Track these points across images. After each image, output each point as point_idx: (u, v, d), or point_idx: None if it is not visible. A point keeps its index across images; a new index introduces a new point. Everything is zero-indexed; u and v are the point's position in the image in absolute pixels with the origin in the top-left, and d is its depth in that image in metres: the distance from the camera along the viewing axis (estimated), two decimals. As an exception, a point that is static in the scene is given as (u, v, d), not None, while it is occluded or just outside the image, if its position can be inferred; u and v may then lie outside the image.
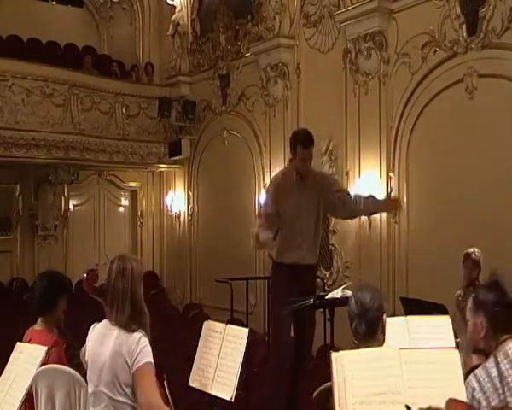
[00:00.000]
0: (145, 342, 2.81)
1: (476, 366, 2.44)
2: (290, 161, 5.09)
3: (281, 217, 4.84)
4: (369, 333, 2.68)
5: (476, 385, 2.33)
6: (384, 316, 2.75)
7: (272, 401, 4.84)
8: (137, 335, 2.81)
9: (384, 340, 2.74)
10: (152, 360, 2.80)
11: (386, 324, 2.79)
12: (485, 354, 2.47)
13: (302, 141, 4.86)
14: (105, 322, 2.94)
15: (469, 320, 2.56)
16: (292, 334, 4.91)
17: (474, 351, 2.58)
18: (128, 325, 2.82)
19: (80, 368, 3.16)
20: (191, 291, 11.39)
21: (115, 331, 2.85)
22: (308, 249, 4.86)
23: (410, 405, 2.22)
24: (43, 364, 3.15)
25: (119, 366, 2.79)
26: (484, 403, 2.31)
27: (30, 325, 3.64)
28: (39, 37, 11.87)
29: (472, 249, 5.07)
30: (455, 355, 2.40)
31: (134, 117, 11.11)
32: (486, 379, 2.33)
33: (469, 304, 2.58)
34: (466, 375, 2.40)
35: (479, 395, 2.33)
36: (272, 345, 5.05)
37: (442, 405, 2.15)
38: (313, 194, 4.89)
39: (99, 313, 3.06)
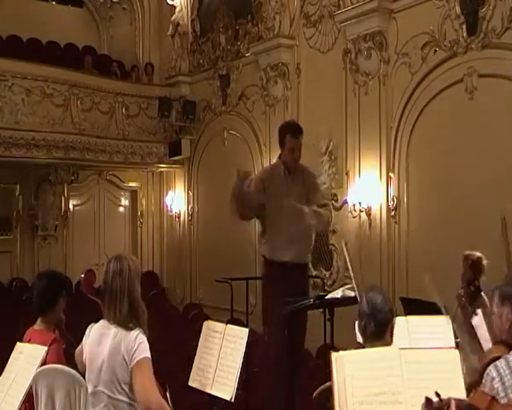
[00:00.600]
0: (142, 338, 2.85)
1: (497, 358, 2.44)
2: (279, 157, 4.99)
3: (268, 212, 4.80)
4: (378, 333, 2.68)
5: (495, 375, 2.34)
6: (393, 319, 2.75)
7: (272, 402, 4.83)
8: (135, 332, 2.85)
9: (392, 343, 2.73)
10: (149, 356, 2.82)
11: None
12: (507, 345, 2.49)
13: (291, 130, 4.81)
14: (102, 322, 2.97)
15: (495, 312, 2.62)
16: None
17: (495, 342, 2.60)
18: (126, 323, 2.85)
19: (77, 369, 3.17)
20: (191, 291, 11.38)
21: (113, 330, 2.88)
22: (300, 246, 4.81)
23: (410, 405, 2.22)
24: (42, 362, 3.15)
25: (117, 365, 2.82)
26: (502, 394, 2.31)
27: (30, 325, 3.64)
28: (39, 37, 11.87)
29: (472, 252, 5.00)
30: (455, 355, 2.40)
31: (134, 117, 11.11)
32: (507, 371, 2.33)
33: (495, 298, 2.65)
34: (486, 365, 2.42)
35: (497, 384, 2.33)
36: (268, 347, 5.03)
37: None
38: (302, 188, 4.84)
39: (98, 314, 3.07)
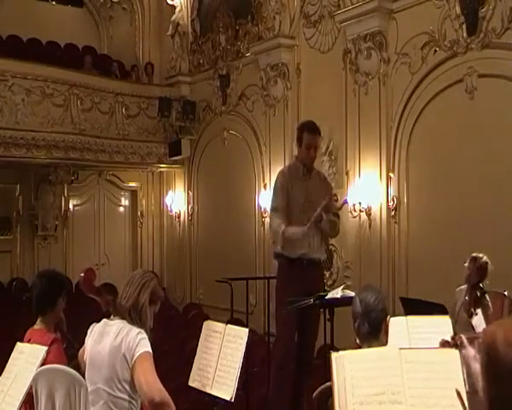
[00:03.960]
0: (144, 335, 2.89)
1: None
2: (296, 158, 5.17)
3: (289, 208, 4.87)
4: (372, 333, 2.68)
5: None
6: (387, 318, 2.76)
7: (274, 401, 4.83)
8: (137, 330, 2.90)
9: (387, 342, 2.74)
10: (150, 351, 2.86)
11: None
12: None
13: (308, 127, 4.98)
14: (103, 322, 3.02)
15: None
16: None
17: None
18: (129, 316, 2.89)
19: (79, 370, 3.17)
20: (191, 291, 11.39)
21: (115, 327, 2.92)
22: (316, 240, 4.89)
23: (410, 405, 2.22)
24: (43, 362, 3.15)
25: (118, 362, 2.85)
26: None
27: (30, 325, 3.64)
28: (39, 37, 11.87)
29: (480, 255, 4.94)
30: (455, 355, 2.40)
31: (134, 117, 11.11)
32: None
33: None
34: None
35: None
36: (275, 345, 5.04)
37: (441, 405, 2.15)
38: (321, 189, 4.98)
39: (98, 313, 3.08)
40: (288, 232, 4.69)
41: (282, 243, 4.74)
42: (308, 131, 4.91)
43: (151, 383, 2.75)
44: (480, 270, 4.76)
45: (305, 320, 4.73)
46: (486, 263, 4.81)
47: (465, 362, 2.45)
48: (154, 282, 3.07)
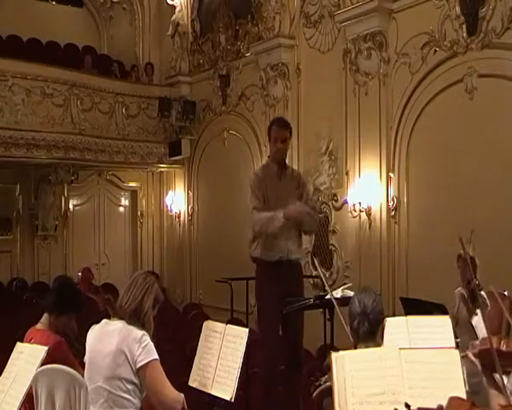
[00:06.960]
0: (147, 339, 2.91)
1: None
2: (268, 157, 5.21)
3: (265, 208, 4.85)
4: (371, 333, 2.69)
5: None
6: (384, 321, 2.77)
7: (265, 403, 4.83)
8: (140, 332, 2.90)
9: (382, 344, 2.75)
10: (157, 357, 2.91)
11: (387, 324, 2.81)
12: None
13: (277, 121, 5.07)
14: (104, 322, 3.05)
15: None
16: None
17: None
18: (130, 318, 2.90)
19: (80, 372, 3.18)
20: (191, 291, 11.39)
21: (116, 327, 2.94)
22: (293, 242, 4.87)
23: (409, 404, 2.22)
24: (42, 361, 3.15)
25: (120, 362, 2.87)
26: None
27: (30, 325, 3.64)
28: (39, 37, 11.87)
29: (461, 251, 4.95)
30: (455, 355, 2.40)
31: (134, 117, 11.11)
32: None
33: None
34: None
35: None
36: (262, 347, 5.03)
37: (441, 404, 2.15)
38: (292, 185, 4.96)
39: (97, 312, 3.09)
40: (276, 214, 4.65)
41: (278, 222, 4.64)
42: (276, 125, 4.96)
43: (170, 395, 2.90)
44: (472, 263, 4.78)
45: (289, 321, 4.73)
46: (474, 257, 4.83)
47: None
48: (155, 287, 3.09)
